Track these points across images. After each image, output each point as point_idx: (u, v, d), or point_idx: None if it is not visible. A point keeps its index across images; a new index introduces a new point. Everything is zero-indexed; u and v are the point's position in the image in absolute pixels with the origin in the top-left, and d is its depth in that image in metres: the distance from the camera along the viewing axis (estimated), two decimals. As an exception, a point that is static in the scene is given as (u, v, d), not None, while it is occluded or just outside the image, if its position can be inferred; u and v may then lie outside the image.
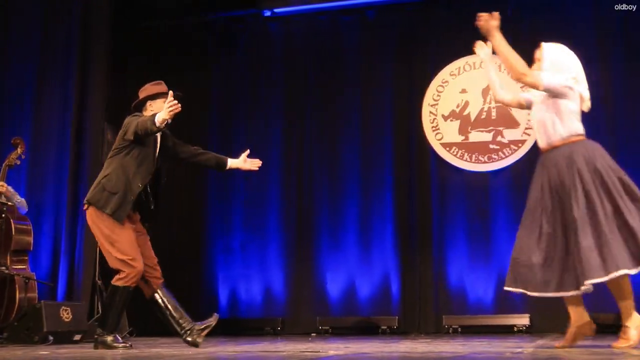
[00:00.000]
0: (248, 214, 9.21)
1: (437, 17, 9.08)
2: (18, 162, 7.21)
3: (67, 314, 6.61)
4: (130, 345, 5.40)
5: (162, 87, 5.73)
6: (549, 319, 8.10)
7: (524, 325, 8.04)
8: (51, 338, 6.32)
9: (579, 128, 4.94)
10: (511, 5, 8.70)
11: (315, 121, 9.24)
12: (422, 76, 9.03)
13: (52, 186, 8.03)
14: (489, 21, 5.14)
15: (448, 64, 8.96)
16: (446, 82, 8.93)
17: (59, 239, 7.90)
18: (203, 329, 5.47)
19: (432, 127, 8.85)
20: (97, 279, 7.86)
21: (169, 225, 9.39)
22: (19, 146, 7.19)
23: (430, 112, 8.90)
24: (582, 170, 4.71)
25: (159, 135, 5.62)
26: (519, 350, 4.60)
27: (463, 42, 8.95)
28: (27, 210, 7.40)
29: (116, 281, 5.39)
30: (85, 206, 5.49)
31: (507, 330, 8.06)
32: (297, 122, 9.27)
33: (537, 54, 5.28)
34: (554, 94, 4.94)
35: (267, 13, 9.49)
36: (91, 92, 8.22)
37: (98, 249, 7.97)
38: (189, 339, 5.45)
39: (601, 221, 4.54)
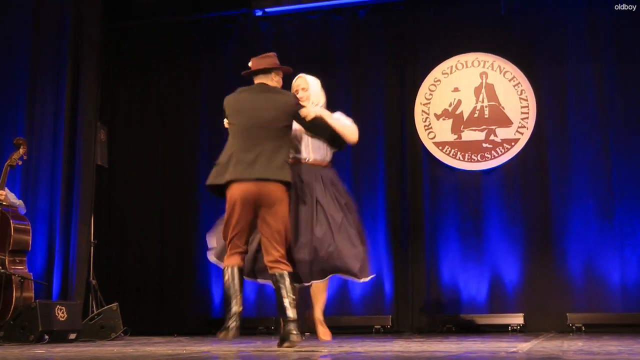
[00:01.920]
0: (240, 213, 9.19)
1: (428, 16, 9.08)
2: (20, 163, 7.21)
3: (62, 313, 6.61)
4: None
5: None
6: (543, 319, 8.15)
7: (518, 325, 8.07)
8: (46, 337, 6.31)
9: None
10: (504, 4, 8.73)
11: (306, 120, 9.22)
12: (414, 75, 9.05)
13: (46, 186, 8.02)
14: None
15: (440, 62, 8.98)
16: (438, 80, 8.95)
17: (53, 238, 7.89)
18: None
19: (425, 126, 8.87)
20: (91, 278, 7.85)
21: (161, 222, 9.39)
22: (22, 146, 7.17)
23: (423, 111, 8.92)
24: None
25: None
26: (514, 349, 4.61)
27: (455, 40, 9.01)
28: (25, 211, 7.41)
29: None
30: None
31: (501, 330, 8.08)
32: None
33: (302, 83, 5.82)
34: None
35: (259, 13, 9.48)
36: (83, 91, 8.18)
37: (92, 248, 8.00)
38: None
39: None
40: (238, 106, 5.36)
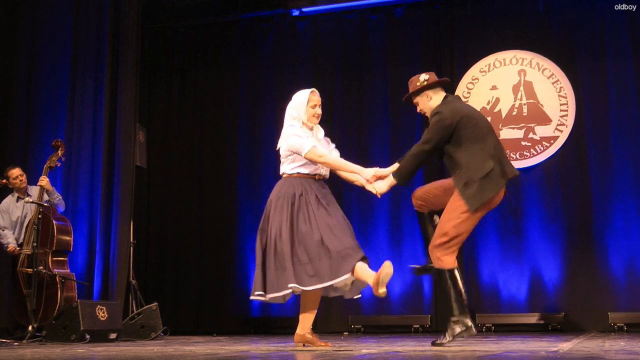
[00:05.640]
0: (280, 212, 9.21)
1: (465, 14, 9.04)
2: (58, 165, 7.30)
3: (103, 313, 6.67)
4: None
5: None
6: (584, 318, 8.06)
7: (559, 324, 8.00)
8: (87, 336, 6.37)
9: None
10: (542, 0, 8.67)
11: (343, 120, 9.23)
12: (452, 73, 9.00)
13: (86, 187, 8.09)
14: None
15: (478, 60, 8.94)
16: (476, 79, 8.91)
17: (94, 239, 7.96)
18: None
19: (463, 124, 8.82)
20: (131, 278, 7.92)
21: (200, 223, 9.44)
22: (60, 148, 7.27)
23: (461, 110, 8.87)
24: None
25: None
26: (554, 349, 4.57)
27: (493, 38, 8.95)
28: (64, 208, 7.49)
29: None
30: None
31: (542, 329, 8.02)
32: (325, 120, 9.19)
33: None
34: None
35: (296, 12, 9.51)
36: (122, 93, 8.24)
37: (132, 248, 8.06)
38: None
39: None
40: (469, 111, 5.31)
